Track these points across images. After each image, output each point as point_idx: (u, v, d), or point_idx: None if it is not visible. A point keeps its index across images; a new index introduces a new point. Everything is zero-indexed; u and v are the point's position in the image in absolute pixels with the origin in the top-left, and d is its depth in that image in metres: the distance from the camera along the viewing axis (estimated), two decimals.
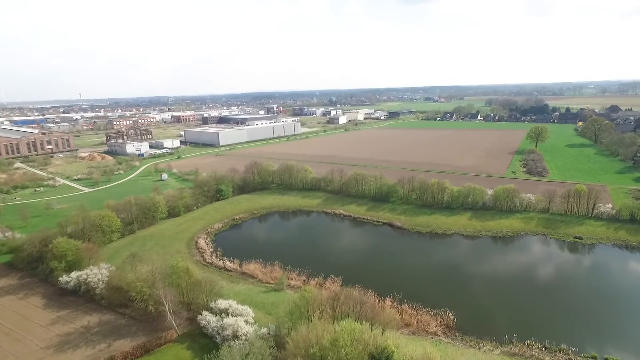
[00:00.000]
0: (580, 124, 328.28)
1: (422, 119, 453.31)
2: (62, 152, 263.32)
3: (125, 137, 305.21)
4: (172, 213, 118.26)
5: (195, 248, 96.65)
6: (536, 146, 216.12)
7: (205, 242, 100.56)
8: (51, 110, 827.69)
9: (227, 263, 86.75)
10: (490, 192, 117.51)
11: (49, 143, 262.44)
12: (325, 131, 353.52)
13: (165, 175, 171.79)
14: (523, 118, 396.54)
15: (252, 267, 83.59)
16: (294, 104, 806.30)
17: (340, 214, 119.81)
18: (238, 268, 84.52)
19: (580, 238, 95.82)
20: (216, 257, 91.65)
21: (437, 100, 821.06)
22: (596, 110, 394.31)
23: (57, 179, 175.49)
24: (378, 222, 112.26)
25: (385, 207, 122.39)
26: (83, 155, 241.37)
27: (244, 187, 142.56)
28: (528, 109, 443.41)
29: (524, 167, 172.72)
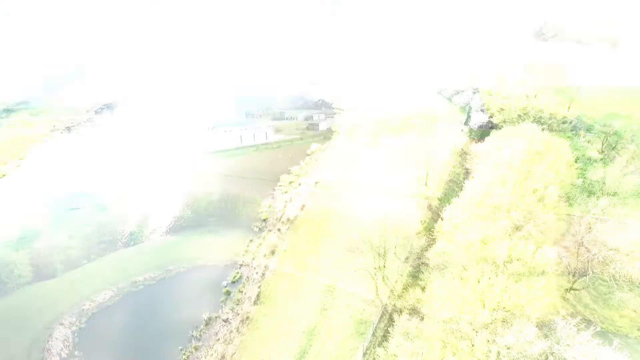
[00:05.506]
0: None
1: None
2: None
3: None
4: (44, 273, 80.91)
5: (43, 350, 59.75)
6: None
7: (66, 335, 63.57)
8: None
9: None
10: None
11: None
12: (301, 139, 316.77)
13: None
14: None
15: None
16: (277, 107, 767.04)
17: None
18: None
19: None
20: None
21: None
22: None
23: None
24: None
25: None
26: None
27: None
28: None
29: None
